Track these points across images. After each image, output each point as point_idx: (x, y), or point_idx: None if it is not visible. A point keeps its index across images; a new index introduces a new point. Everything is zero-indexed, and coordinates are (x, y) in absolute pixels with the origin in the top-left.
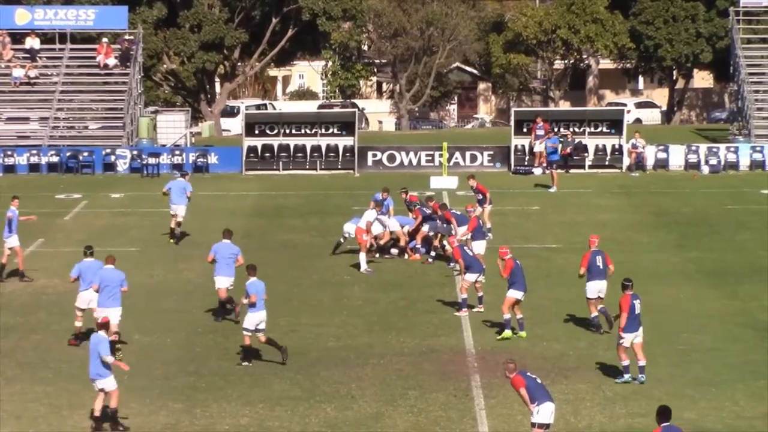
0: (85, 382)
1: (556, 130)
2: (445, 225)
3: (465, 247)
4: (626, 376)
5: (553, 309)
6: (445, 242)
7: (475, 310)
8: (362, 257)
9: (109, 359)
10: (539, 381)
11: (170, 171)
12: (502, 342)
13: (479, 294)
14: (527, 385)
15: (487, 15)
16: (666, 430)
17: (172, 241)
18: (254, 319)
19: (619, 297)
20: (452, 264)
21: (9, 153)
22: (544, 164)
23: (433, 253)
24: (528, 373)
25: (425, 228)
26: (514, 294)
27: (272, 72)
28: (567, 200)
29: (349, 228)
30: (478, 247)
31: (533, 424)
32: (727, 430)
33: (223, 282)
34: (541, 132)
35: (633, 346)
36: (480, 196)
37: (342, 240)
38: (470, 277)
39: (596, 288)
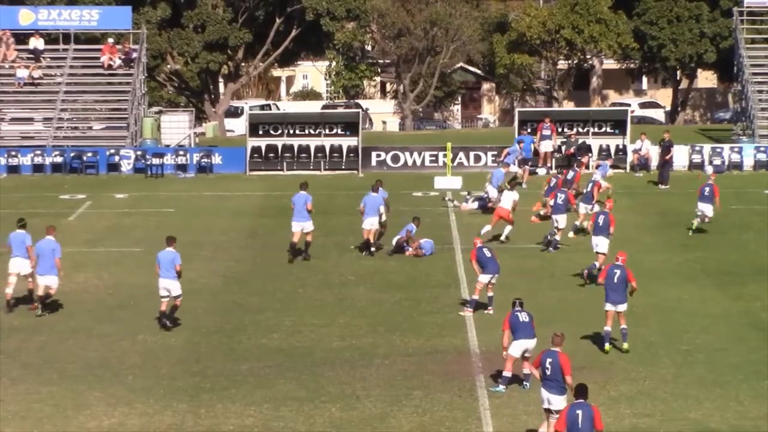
0: (90, 383)
1: (560, 130)
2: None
3: (484, 248)
4: (501, 387)
5: (558, 309)
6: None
7: (486, 312)
8: (509, 229)
9: None
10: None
11: (174, 172)
12: None
13: (489, 294)
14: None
15: (490, 15)
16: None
17: (364, 253)
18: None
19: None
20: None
21: (13, 153)
22: (549, 165)
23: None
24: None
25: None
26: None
27: (276, 72)
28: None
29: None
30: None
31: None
32: (732, 431)
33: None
34: (547, 132)
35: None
36: None
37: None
38: (484, 278)
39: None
